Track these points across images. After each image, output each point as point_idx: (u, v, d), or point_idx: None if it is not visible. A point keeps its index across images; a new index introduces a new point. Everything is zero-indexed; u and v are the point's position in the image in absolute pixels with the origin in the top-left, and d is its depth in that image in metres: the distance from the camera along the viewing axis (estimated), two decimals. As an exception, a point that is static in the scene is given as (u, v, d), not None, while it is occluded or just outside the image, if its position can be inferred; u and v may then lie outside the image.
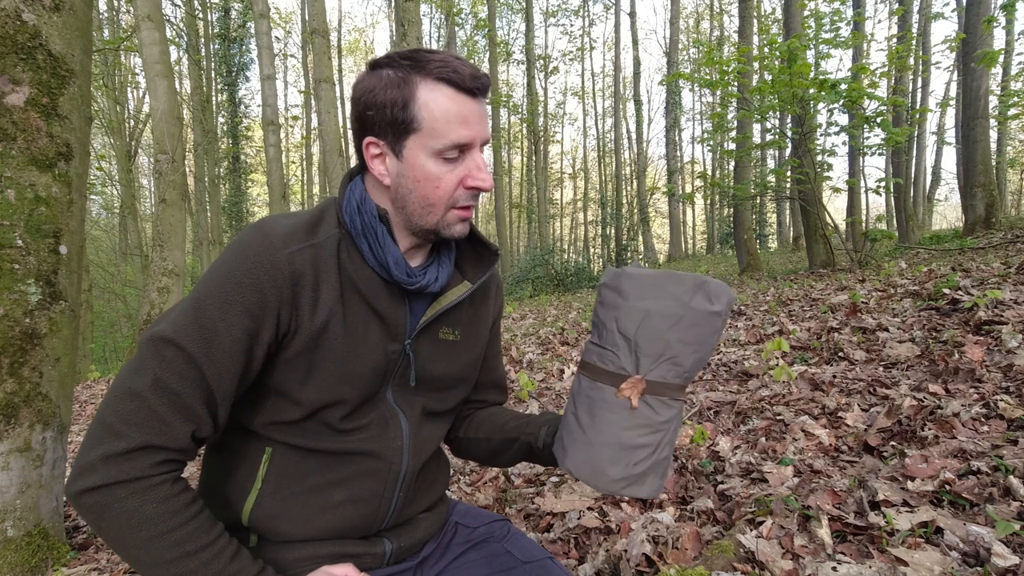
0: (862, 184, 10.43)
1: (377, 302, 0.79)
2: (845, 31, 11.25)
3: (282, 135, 18.14)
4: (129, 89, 16.71)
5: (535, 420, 0.94)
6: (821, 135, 7.59)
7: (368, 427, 0.81)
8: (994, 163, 9.14)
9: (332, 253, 0.77)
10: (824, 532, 1.39)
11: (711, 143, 17.37)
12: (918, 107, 14.49)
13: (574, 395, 0.79)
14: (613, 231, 20.09)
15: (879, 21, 21.36)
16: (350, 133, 0.80)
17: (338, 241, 0.78)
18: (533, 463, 0.99)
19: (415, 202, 0.77)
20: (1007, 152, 18.35)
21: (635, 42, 22.04)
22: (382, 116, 0.75)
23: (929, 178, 19.43)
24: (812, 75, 6.91)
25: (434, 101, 0.73)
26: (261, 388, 0.77)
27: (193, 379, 0.68)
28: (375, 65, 0.77)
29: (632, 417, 0.72)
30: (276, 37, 20.60)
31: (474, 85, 0.74)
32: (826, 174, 7.76)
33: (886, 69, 8.27)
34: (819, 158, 7.57)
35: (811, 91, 6.76)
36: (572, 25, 48.39)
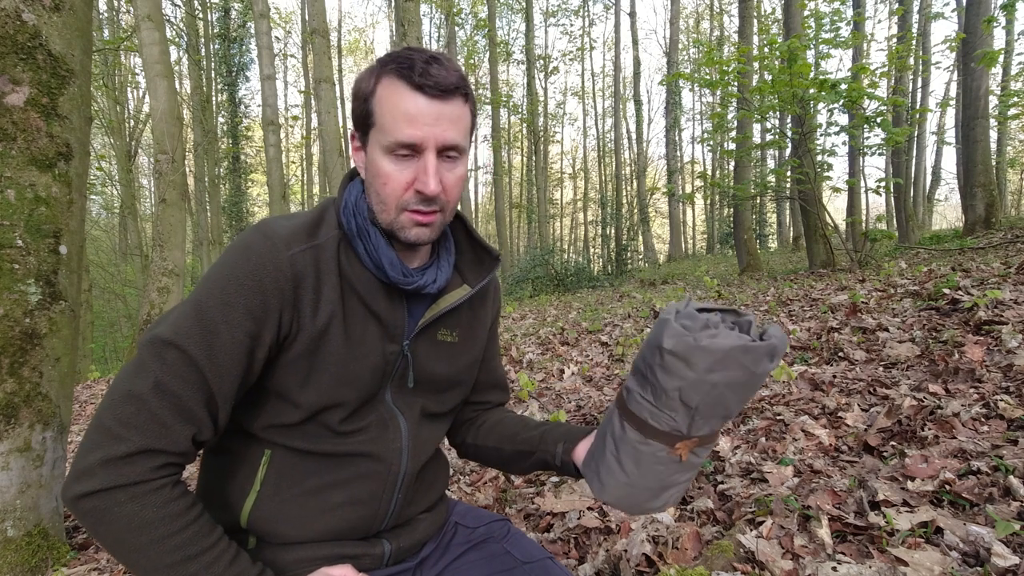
0: (862, 184, 10.43)
1: (375, 303, 0.79)
2: (845, 31, 11.27)
3: (282, 135, 18.12)
4: (129, 89, 16.71)
5: (548, 435, 0.91)
6: (821, 135, 7.58)
7: (367, 429, 0.81)
8: (994, 163, 9.13)
9: (332, 255, 0.77)
10: (824, 532, 1.39)
11: (711, 143, 17.37)
12: (918, 107, 14.47)
13: (616, 440, 0.76)
14: (613, 231, 20.05)
15: (879, 21, 21.37)
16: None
17: (338, 242, 0.78)
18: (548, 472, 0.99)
19: (372, 198, 0.78)
20: (1007, 152, 18.34)
21: (635, 42, 22.03)
22: (355, 109, 0.77)
23: (929, 178, 19.42)
24: (812, 75, 6.90)
25: (387, 97, 0.73)
26: (261, 390, 0.77)
27: (194, 382, 0.68)
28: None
29: (680, 467, 0.75)
30: (276, 37, 20.60)
31: (424, 83, 0.71)
32: (826, 174, 7.76)
33: (886, 69, 8.27)
34: (819, 158, 7.56)
35: (811, 91, 6.76)
36: (572, 25, 48.51)
